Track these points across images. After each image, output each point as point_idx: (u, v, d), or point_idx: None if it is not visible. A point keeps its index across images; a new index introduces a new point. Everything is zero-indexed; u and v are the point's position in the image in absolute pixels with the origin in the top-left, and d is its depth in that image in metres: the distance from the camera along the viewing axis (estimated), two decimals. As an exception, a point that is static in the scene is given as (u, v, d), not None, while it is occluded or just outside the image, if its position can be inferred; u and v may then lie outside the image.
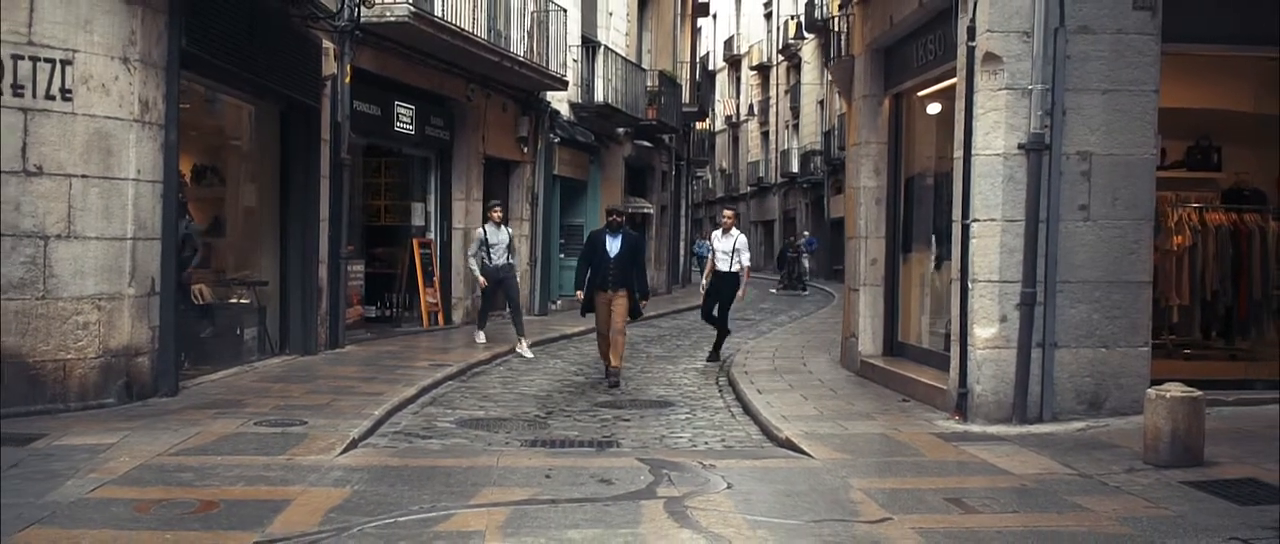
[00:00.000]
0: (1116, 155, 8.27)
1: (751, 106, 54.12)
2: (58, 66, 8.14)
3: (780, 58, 48.66)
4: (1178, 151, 12.20)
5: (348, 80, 13.09)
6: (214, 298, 11.37)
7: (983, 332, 8.32)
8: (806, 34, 42.34)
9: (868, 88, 11.56)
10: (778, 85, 49.63)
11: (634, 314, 11.49)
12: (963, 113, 8.50)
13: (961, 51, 8.53)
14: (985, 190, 8.30)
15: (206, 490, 5.84)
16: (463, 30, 15.12)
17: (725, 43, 56.58)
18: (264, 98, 11.78)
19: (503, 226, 14.08)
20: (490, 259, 13.75)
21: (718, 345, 13.58)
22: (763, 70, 51.81)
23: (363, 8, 12.92)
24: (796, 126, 46.81)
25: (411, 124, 15.57)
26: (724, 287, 13.40)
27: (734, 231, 13.62)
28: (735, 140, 57.43)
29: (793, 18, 44.76)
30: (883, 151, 11.56)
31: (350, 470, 6.50)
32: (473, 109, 17.19)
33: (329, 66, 12.70)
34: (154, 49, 8.81)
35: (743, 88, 55.81)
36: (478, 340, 13.90)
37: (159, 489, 5.84)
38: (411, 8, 13.65)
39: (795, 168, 45.66)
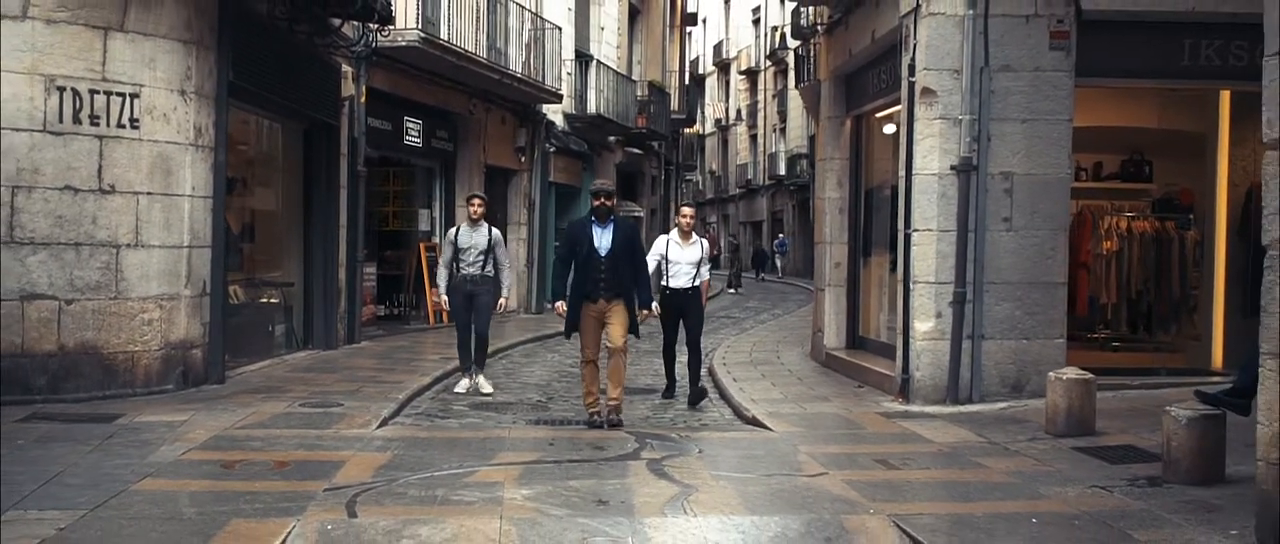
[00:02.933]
0: (1035, 175, 9.66)
1: (739, 111, 55.54)
2: (127, 99, 9.45)
3: (768, 63, 50.08)
4: (1114, 165, 13.70)
5: (363, 100, 14.46)
6: (247, 298, 12.71)
7: (921, 325, 9.70)
8: (792, 41, 43.69)
9: (832, 110, 12.96)
10: (765, 90, 51.04)
11: (632, 329, 8.82)
12: (904, 138, 9.89)
13: (904, 86, 9.92)
14: (923, 204, 9.67)
15: (276, 454, 7.19)
16: (466, 51, 16.49)
17: (714, 47, 57.99)
18: (292, 118, 13.12)
19: (482, 225, 10.65)
20: (461, 268, 10.55)
21: (696, 375, 10.48)
22: (751, 75, 53.21)
23: (378, 35, 14.28)
24: (783, 130, 48.23)
25: (419, 137, 16.95)
26: (690, 305, 10.38)
27: (695, 237, 10.61)
28: (725, 143, 58.86)
29: (775, 29, 46.14)
30: (845, 166, 12.96)
31: (388, 440, 7.85)
32: (474, 122, 18.59)
33: (347, 88, 14.06)
34: (206, 82, 10.15)
35: (732, 92, 57.23)
36: (459, 389, 10.72)
37: (237, 453, 7.18)
38: (421, 33, 15.03)
39: (782, 170, 47.08)
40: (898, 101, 10.69)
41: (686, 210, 10.79)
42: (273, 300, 13.26)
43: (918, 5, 9.62)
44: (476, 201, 10.78)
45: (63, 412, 8.52)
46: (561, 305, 9.04)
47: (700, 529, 5.55)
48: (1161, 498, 6.14)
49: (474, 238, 10.58)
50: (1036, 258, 9.70)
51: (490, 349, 11.79)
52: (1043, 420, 8.39)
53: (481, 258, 10.55)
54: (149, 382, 9.67)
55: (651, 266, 10.11)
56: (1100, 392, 9.01)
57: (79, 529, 5.28)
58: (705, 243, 10.73)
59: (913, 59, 9.75)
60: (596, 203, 8.76)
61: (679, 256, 10.36)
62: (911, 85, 9.76)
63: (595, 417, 8.82)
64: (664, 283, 10.40)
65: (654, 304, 9.70)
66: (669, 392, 10.78)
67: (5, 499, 5.69)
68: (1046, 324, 9.75)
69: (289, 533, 5.27)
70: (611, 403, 8.70)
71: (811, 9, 14.70)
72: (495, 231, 10.81)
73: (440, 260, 10.98)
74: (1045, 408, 8.27)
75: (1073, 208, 13.55)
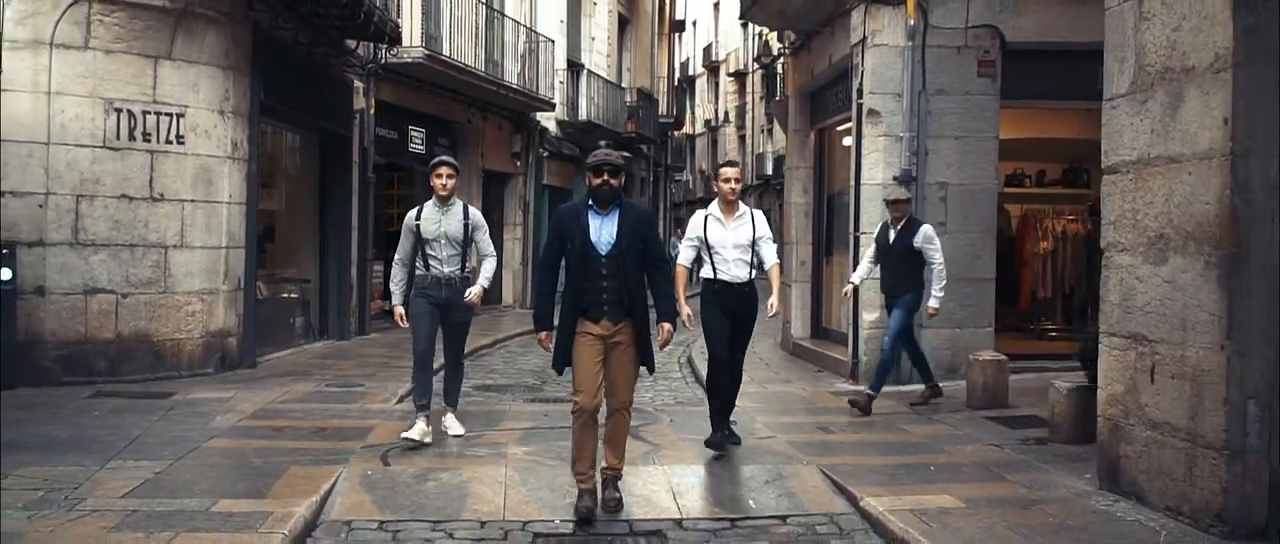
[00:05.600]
0: (966, 185, 11.06)
1: (727, 113, 56.96)
2: (174, 119, 10.83)
3: (755, 66, 51.44)
4: (1056, 172, 15.14)
5: (372, 112, 15.84)
6: (270, 293, 14.08)
7: (868, 316, 11.10)
8: (776, 45, 45.07)
9: (798, 123, 14.36)
10: (753, 92, 52.42)
11: (646, 361, 6.13)
12: (854, 152, 11.29)
13: (853, 106, 11.32)
14: (870, 210, 11.07)
15: (314, 422, 8.57)
16: (466, 66, 17.88)
17: (704, 50, 59.36)
18: (310, 130, 14.51)
19: (455, 204, 7.71)
20: (428, 266, 7.62)
21: (726, 411, 7.69)
22: (740, 77, 54.60)
23: (387, 53, 15.67)
24: (770, 132, 49.61)
25: (422, 144, 18.33)
26: (743, 307, 7.49)
27: (744, 208, 7.48)
28: (714, 143, 60.23)
29: (761, 33, 47.47)
30: (810, 174, 14.37)
31: (406, 413, 9.17)
32: (473, 130, 20.00)
33: (358, 101, 15.46)
34: (241, 102, 11.53)
35: (721, 93, 58.63)
36: (411, 434, 7.51)
37: (282, 421, 8.56)
38: (425, 50, 16.41)
39: (769, 171, 48.48)
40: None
41: (728, 172, 7.43)
42: (293, 295, 14.63)
43: (865, 36, 11.03)
44: (445, 170, 7.59)
45: (122, 390, 9.88)
46: (546, 338, 6.20)
47: (664, 474, 6.95)
48: (1041, 452, 7.55)
49: (444, 223, 7.58)
50: (968, 257, 11.09)
51: (491, 339, 13.25)
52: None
53: (458, 252, 7.60)
54: (192, 366, 11.04)
55: (688, 257, 7.65)
56: (1025, 373, 10.48)
57: (170, 474, 6.65)
58: (759, 215, 7.52)
59: (861, 83, 11.15)
60: (596, 181, 5.99)
61: (723, 238, 7.37)
62: (859, 106, 11.16)
63: (587, 497, 5.98)
64: (712, 276, 7.41)
65: (684, 314, 7.03)
66: (717, 440, 7.50)
67: (101, 455, 7.05)
68: (977, 315, 11.15)
69: (338, 477, 6.64)
70: (609, 472, 6.17)
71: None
72: (474, 212, 7.86)
73: (396, 256, 7.81)
74: (966, 385, 9.68)
75: (1017, 212, 15.05)
